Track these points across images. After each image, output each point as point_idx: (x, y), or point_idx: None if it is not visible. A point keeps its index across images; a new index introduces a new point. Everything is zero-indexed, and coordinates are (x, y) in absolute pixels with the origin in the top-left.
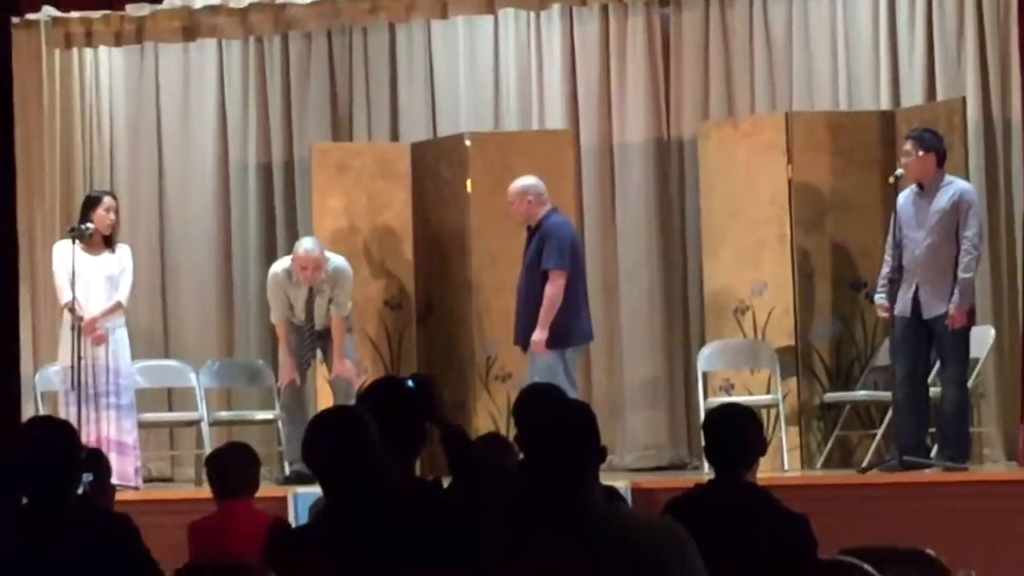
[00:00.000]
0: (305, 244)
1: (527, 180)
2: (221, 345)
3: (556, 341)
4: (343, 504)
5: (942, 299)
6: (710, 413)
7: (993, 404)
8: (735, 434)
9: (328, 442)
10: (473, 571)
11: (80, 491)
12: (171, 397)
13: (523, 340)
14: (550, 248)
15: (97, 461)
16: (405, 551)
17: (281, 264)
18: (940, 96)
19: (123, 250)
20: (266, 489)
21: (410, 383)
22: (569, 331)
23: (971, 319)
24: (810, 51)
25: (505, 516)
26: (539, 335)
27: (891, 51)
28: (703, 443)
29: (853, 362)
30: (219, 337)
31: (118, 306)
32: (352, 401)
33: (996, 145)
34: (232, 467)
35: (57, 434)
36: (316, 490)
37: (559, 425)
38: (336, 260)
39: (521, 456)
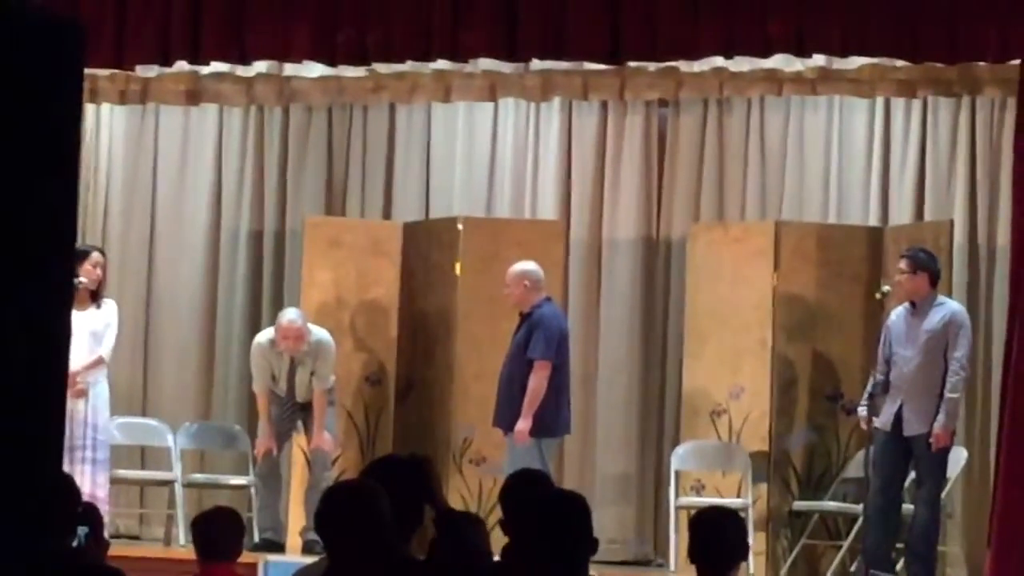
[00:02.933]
0: (288, 315)
1: (527, 265)
2: (198, 407)
3: (537, 430)
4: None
5: (925, 418)
6: (699, 513)
7: (960, 524)
8: (722, 535)
9: (346, 511)
10: None
11: (75, 544)
12: (143, 455)
13: (502, 422)
14: (538, 337)
15: (92, 514)
16: None
17: (266, 334)
18: (928, 216)
19: (109, 305)
20: None
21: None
22: (550, 421)
23: (952, 439)
24: (803, 161)
25: None
26: (523, 425)
27: (883, 167)
28: (688, 541)
29: (824, 472)
30: (197, 399)
31: (100, 361)
32: (328, 473)
33: (980, 270)
34: (220, 530)
35: (59, 486)
36: (287, 558)
37: (555, 514)
38: (319, 333)
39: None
